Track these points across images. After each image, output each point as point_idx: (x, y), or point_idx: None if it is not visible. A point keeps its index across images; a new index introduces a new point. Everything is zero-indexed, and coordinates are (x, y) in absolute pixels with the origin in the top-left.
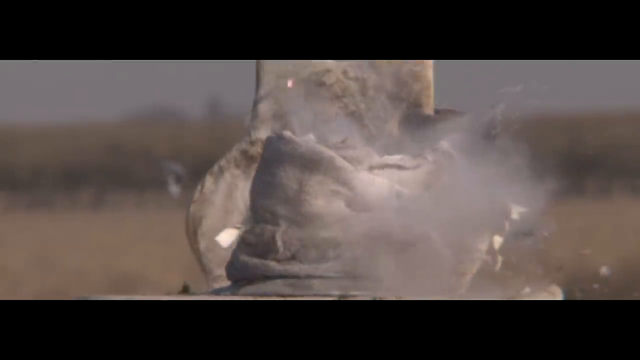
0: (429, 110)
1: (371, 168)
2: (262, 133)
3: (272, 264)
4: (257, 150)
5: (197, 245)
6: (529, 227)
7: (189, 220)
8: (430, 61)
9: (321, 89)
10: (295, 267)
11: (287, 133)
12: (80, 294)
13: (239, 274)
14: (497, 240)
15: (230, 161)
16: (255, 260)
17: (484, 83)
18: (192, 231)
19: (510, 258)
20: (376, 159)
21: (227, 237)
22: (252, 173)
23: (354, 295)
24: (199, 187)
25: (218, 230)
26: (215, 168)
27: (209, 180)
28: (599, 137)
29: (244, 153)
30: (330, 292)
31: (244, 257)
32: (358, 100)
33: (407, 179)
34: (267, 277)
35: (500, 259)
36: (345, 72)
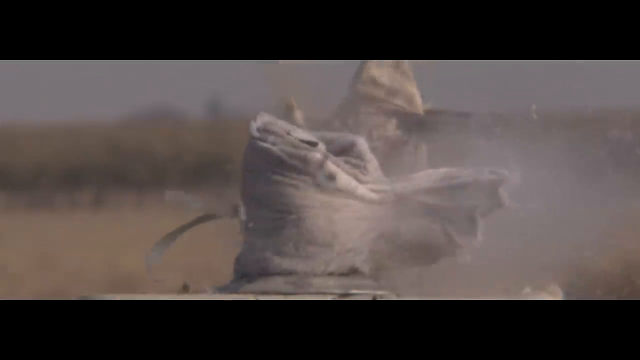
0: (420, 112)
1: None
2: (300, 134)
3: (276, 260)
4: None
5: None
6: None
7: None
8: (410, 74)
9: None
10: (297, 265)
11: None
12: (80, 294)
13: (244, 269)
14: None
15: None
16: (260, 255)
17: (479, 83)
18: None
19: (510, 257)
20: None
21: (173, 196)
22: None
23: (354, 295)
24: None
25: None
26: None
27: None
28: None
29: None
30: (330, 290)
31: (250, 253)
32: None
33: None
34: (269, 273)
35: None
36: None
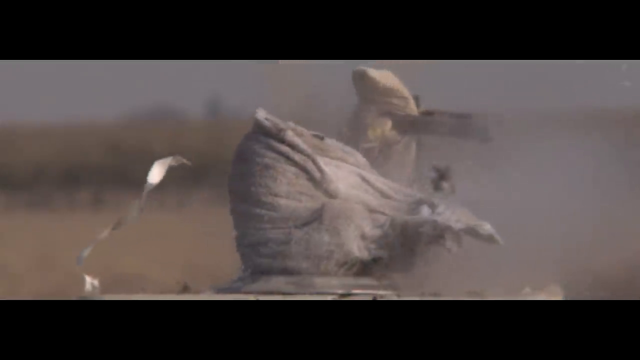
0: (415, 113)
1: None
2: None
3: (278, 259)
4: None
5: None
6: None
7: None
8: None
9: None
10: (299, 264)
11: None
12: (80, 294)
13: (250, 261)
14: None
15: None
16: (283, 236)
17: (479, 83)
18: None
19: (509, 257)
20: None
21: (157, 171)
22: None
23: (355, 295)
24: None
25: None
26: None
27: None
28: None
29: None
30: (332, 290)
31: (253, 252)
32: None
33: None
34: (271, 272)
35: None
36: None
